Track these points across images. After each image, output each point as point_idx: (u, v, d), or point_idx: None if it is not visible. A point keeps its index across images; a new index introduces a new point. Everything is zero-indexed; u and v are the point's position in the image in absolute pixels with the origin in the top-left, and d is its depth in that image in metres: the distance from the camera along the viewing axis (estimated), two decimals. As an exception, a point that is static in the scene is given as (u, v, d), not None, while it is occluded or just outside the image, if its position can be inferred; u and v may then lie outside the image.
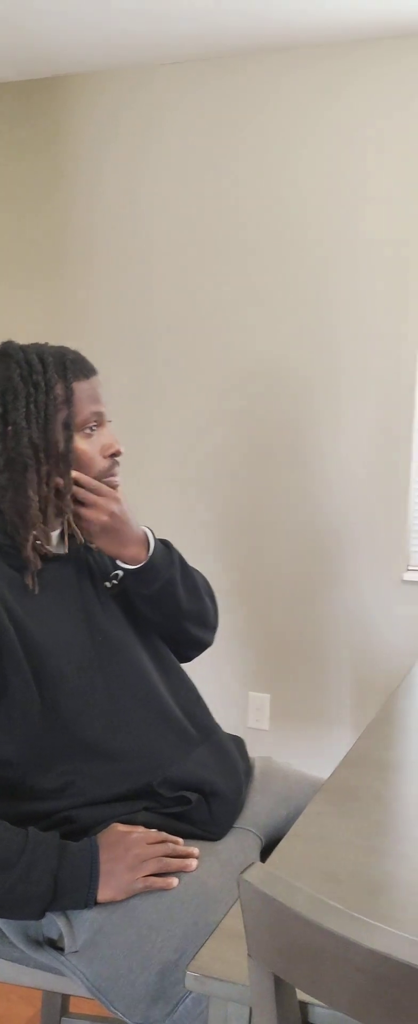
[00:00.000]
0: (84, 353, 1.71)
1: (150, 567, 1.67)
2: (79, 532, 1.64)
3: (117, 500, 1.63)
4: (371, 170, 3.75)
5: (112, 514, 1.61)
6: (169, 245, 4.04)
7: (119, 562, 1.68)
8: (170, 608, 1.74)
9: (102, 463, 1.64)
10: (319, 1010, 0.99)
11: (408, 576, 3.80)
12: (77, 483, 1.61)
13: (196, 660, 1.91)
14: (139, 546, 1.67)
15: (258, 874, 0.91)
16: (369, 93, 3.72)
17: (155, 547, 1.69)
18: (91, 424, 1.63)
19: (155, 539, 1.70)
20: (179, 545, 1.91)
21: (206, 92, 3.95)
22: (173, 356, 4.06)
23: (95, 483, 1.62)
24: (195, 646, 1.85)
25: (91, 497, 1.61)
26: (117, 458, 1.66)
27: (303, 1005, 0.99)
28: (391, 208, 3.72)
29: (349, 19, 3.56)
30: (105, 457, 1.64)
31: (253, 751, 1.93)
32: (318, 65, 3.78)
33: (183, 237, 4.02)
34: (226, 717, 3.90)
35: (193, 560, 1.98)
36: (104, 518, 1.61)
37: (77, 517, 1.62)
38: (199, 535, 4.02)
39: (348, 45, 3.73)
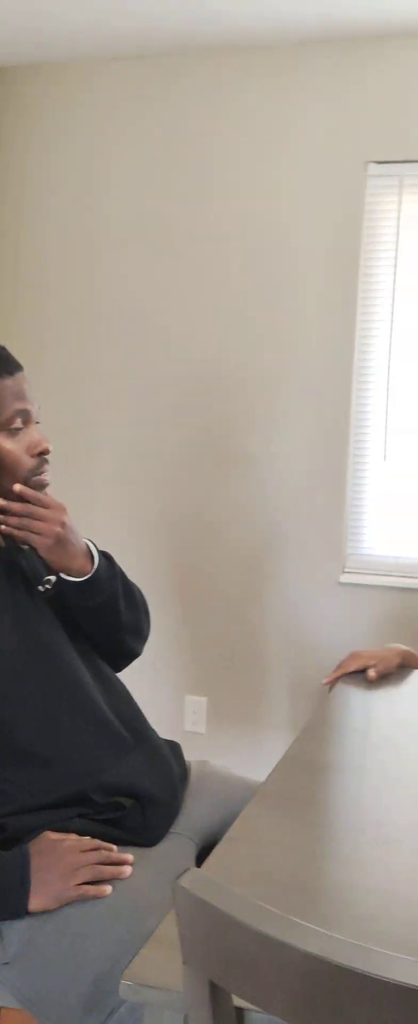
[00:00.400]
0: (24, 351, 1.67)
1: (95, 580, 1.65)
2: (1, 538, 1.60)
3: (65, 511, 1.61)
4: (310, 173, 3.77)
5: (63, 524, 1.59)
6: (112, 244, 4.00)
7: (64, 575, 1.64)
8: (111, 621, 1.72)
9: (30, 462, 1.60)
10: (255, 1015, 0.97)
11: (344, 578, 3.83)
12: (24, 497, 1.57)
13: (134, 662, 1.89)
14: (84, 559, 1.64)
15: (193, 880, 0.89)
16: (312, 96, 3.74)
17: (99, 560, 1.67)
18: (16, 422, 1.59)
19: (98, 552, 1.68)
20: (117, 544, 1.89)
21: (152, 91, 3.93)
22: (116, 355, 4.02)
23: (42, 496, 1.59)
24: (127, 657, 1.84)
25: (39, 511, 1.58)
26: (46, 456, 1.63)
27: (239, 1011, 0.97)
28: (329, 212, 3.75)
29: (296, 20, 3.57)
30: (33, 456, 1.61)
31: (190, 755, 1.92)
32: (262, 68, 3.79)
33: (126, 236, 3.98)
34: (162, 720, 3.87)
35: (130, 561, 1.96)
36: (57, 529, 1.58)
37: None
38: (136, 535, 3.99)
39: (291, 49, 3.75)
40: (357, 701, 2.09)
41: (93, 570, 1.64)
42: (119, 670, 1.83)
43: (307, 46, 3.72)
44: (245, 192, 3.84)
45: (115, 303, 4.01)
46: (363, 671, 2.21)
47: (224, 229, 3.88)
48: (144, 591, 1.88)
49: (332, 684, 2.22)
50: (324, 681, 2.28)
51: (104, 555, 1.72)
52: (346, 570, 3.85)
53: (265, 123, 3.80)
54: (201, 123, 3.89)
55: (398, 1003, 0.78)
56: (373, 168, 3.71)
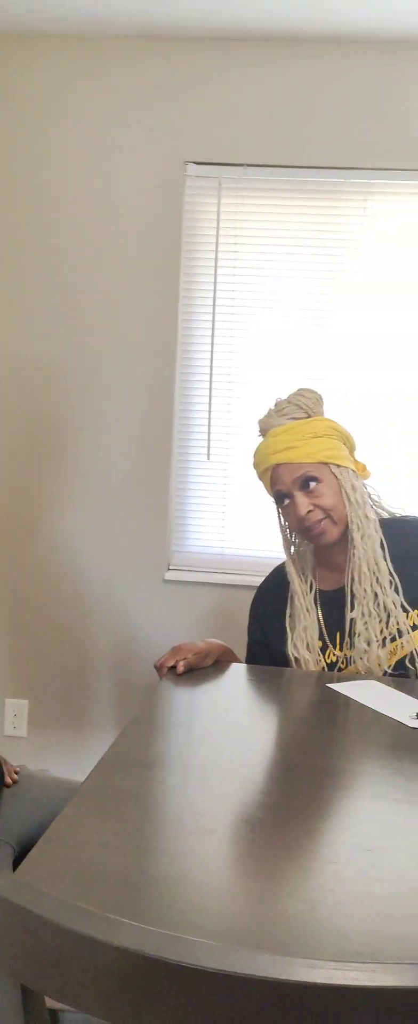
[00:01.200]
0: None
1: None
2: None
3: None
4: (133, 168, 3.77)
5: None
6: None
7: None
8: None
9: None
10: (69, 1015, 0.96)
11: (169, 576, 3.85)
12: None
13: None
14: None
15: (2, 883, 0.87)
16: (130, 92, 3.74)
17: None
18: None
19: None
20: None
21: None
22: None
23: None
24: None
25: None
26: None
27: (53, 1012, 0.96)
28: (149, 210, 3.76)
29: (112, 15, 3.56)
30: None
31: (11, 760, 1.87)
32: (78, 60, 3.76)
33: None
34: (-16, 728, 3.78)
35: None
36: None
37: None
38: None
39: (107, 42, 3.73)
40: (180, 697, 2.10)
41: None
42: None
43: (124, 41, 3.72)
44: (66, 185, 3.80)
45: None
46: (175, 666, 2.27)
47: (44, 224, 3.83)
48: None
49: (163, 671, 2.26)
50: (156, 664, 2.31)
51: None
52: (171, 567, 3.88)
53: (82, 117, 3.78)
54: (22, 115, 3.82)
55: (209, 989, 0.78)
56: (192, 168, 3.75)
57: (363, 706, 2.03)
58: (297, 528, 2.40)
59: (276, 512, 2.49)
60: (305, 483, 2.35)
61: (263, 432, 2.43)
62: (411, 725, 1.89)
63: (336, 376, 3.91)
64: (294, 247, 3.87)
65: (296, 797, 1.49)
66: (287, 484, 2.36)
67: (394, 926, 1.08)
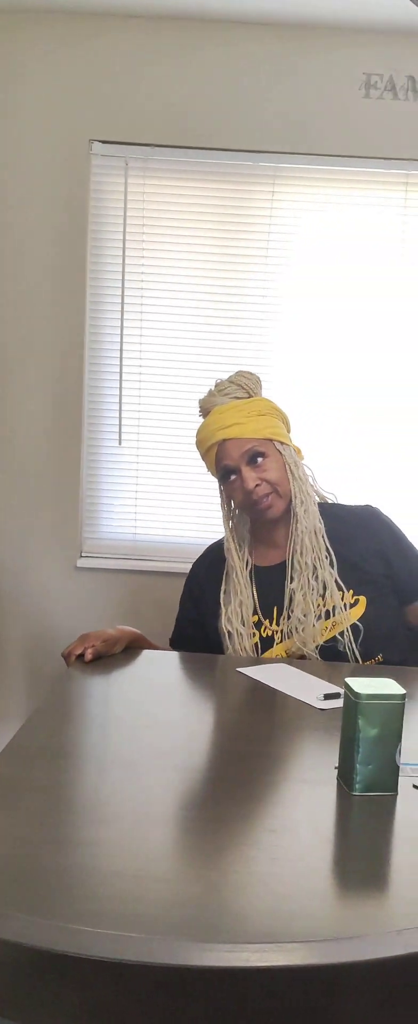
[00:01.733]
0: None
1: None
2: None
3: None
4: (35, 146, 3.71)
5: None
6: None
7: None
8: None
9: None
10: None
11: (81, 563, 3.82)
12: None
13: None
14: None
15: None
16: (29, 61, 3.68)
17: None
18: None
19: None
20: None
21: None
22: None
23: None
24: None
25: None
26: None
27: None
28: (53, 189, 3.71)
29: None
30: None
31: None
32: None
33: None
34: None
35: None
36: None
37: None
38: None
39: (4, 14, 3.66)
40: (87, 685, 2.07)
41: None
42: None
43: (23, 15, 3.65)
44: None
45: None
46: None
47: None
48: None
49: (70, 659, 2.23)
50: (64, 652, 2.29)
51: None
52: (83, 554, 3.85)
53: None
54: None
55: (104, 978, 0.77)
56: (97, 147, 3.71)
57: (273, 690, 2.04)
58: (244, 503, 2.43)
59: (219, 489, 2.52)
60: (253, 458, 2.39)
61: (206, 411, 2.47)
62: (318, 707, 1.90)
63: (248, 361, 3.91)
64: (203, 230, 3.85)
65: (205, 783, 1.48)
66: (234, 459, 2.39)
67: (293, 905, 1.07)
